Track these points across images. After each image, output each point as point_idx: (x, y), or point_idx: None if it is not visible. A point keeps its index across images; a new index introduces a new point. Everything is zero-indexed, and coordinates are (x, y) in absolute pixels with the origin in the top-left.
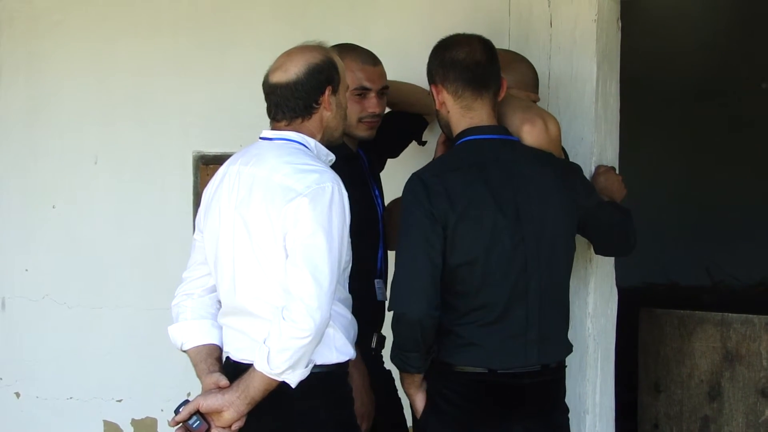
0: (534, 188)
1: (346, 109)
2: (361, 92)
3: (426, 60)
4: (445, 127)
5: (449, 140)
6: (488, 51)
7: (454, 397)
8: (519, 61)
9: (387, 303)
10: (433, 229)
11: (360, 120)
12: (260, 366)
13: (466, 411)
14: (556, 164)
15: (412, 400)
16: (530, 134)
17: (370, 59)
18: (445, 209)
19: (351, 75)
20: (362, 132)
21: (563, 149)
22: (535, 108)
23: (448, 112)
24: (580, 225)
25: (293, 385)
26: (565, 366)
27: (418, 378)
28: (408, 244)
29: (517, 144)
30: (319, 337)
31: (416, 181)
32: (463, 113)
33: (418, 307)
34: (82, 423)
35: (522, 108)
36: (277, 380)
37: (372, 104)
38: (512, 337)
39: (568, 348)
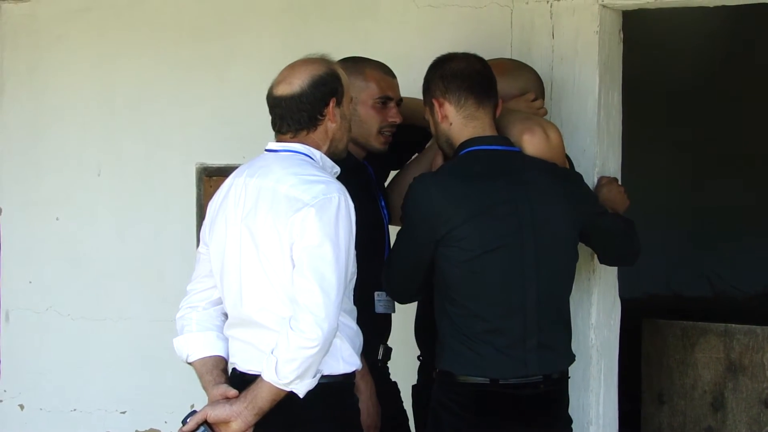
0: (536, 198)
1: (350, 121)
2: (385, 101)
3: None
4: (445, 143)
5: (446, 158)
6: (485, 65)
7: (456, 408)
8: (521, 67)
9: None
10: (428, 240)
11: (380, 130)
12: (268, 376)
13: (469, 422)
14: (558, 174)
15: None
16: (531, 143)
17: (389, 70)
18: (446, 217)
19: (373, 84)
20: (379, 144)
21: (568, 157)
22: (534, 118)
23: (451, 124)
24: (583, 234)
25: (301, 395)
26: (569, 377)
27: None
28: (401, 247)
29: (519, 155)
30: (327, 346)
31: (420, 186)
32: (466, 123)
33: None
34: None
35: (521, 119)
36: (285, 390)
37: (393, 113)
38: (511, 347)
39: (571, 358)
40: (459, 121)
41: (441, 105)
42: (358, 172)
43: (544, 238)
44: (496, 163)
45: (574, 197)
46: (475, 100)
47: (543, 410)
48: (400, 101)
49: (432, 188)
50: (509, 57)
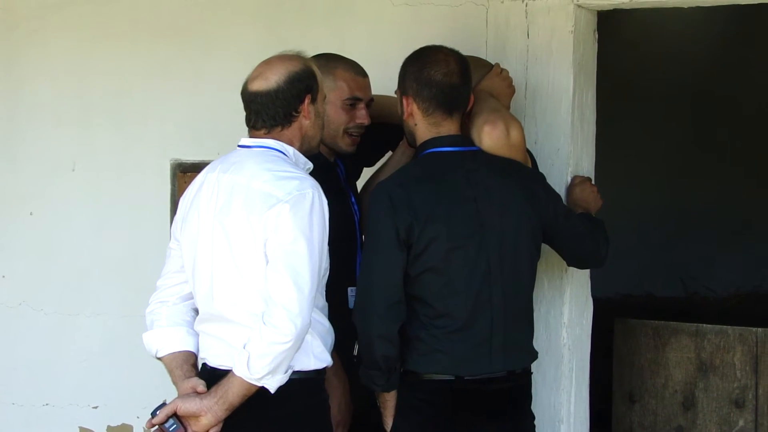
0: (495, 197)
1: (324, 118)
2: (353, 102)
3: None
4: (410, 136)
5: (411, 147)
6: (464, 72)
7: (422, 406)
8: (482, 66)
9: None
10: (398, 246)
11: (346, 131)
12: (240, 371)
13: (435, 419)
14: (517, 173)
15: (384, 421)
16: (490, 136)
17: (361, 70)
18: (409, 220)
19: (343, 84)
20: (345, 145)
21: (531, 154)
22: (501, 111)
23: (416, 124)
24: (547, 235)
25: (272, 391)
26: (531, 372)
27: (390, 398)
28: (371, 261)
29: (478, 153)
30: (300, 342)
31: (381, 193)
32: (430, 128)
33: (375, 328)
34: (58, 430)
35: (488, 109)
36: (256, 386)
37: (361, 115)
38: (478, 345)
39: (533, 354)
40: (424, 126)
41: (409, 104)
42: (329, 170)
43: (505, 237)
44: (456, 164)
45: (534, 196)
46: (444, 112)
47: (508, 405)
48: (370, 101)
49: (394, 194)
50: (484, 56)
